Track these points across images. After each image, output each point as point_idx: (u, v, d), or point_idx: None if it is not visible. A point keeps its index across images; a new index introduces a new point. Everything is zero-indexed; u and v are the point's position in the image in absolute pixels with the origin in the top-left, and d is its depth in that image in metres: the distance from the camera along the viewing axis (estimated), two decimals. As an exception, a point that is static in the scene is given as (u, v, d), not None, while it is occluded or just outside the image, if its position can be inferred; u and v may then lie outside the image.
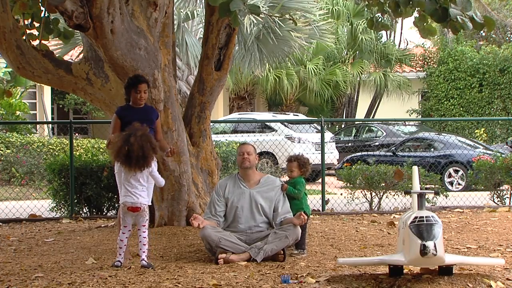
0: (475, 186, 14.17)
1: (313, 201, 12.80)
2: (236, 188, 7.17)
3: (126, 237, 6.65)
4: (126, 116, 7.30)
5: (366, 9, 8.89)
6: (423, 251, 5.42)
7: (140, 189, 6.59)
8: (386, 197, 11.99)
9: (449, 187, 16.78)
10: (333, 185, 16.34)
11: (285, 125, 19.71)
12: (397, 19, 26.38)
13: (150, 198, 6.74)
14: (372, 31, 25.40)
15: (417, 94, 28.74)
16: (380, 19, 9.27)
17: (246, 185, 7.19)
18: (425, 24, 8.19)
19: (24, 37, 8.74)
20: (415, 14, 8.32)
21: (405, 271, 5.97)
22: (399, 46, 28.67)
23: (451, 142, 17.85)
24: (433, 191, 6.94)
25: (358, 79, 26.25)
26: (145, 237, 6.58)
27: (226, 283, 5.85)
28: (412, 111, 28.26)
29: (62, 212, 11.15)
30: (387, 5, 8.42)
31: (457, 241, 8.08)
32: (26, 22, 9.15)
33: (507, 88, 26.64)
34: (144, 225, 6.62)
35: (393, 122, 22.91)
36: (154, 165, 6.71)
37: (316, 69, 24.99)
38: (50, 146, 17.97)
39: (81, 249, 7.85)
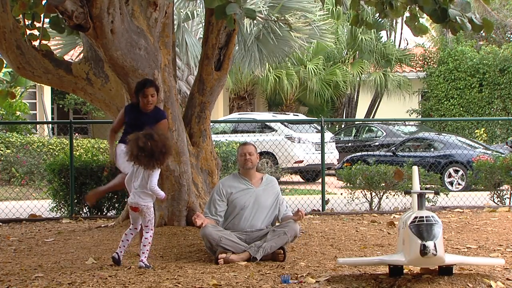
0: (475, 186, 14.17)
1: (313, 201, 12.84)
2: (242, 187, 7.16)
3: (131, 234, 6.67)
4: (129, 118, 7.36)
5: (353, 7, 8.91)
6: (423, 251, 5.42)
7: (140, 189, 6.59)
8: (386, 197, 12.00)
9: (449, 187, 16.78)
10: (333, 185, 16.35)
11: (285, 125, 19.71)
12: (396, 19, 26.53)
13: (151, 199, 6.69)
14: (372, 31, 25.44)
15: (417, 94, 28.74)
16: (370, 18, 9.32)
17: (250, 183, 7.19)
18: (416, 23, 8.24)
19: (25, 37, 8.74)
20: (406, 13, 8.36)
21: (405, 271, 5.97)
22: (399, 46, 28.67)
23: (451, 142, 17.86)
24: (433, 191, 6.93)
25: (358, 79, 26.25)
26: (146, 238, 6.57)
27: (226, 283, 5.85)
28: (412, 111, 28.26)
29: (62, 212, 11.15)
30: (385, 6, 8.44)
31: (457, 241, 8.08)
32: (26, 22, 9.15)
33: (507, 88, 26.64)
34: (147, 226, 6.61)
35: (393, 122, 22.91)
36: (154, 179, 6.61)
37: (316, 69, 24.99)
38: (50, 146, 17.97)
39: (81, 249, 7.85)
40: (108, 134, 7.84)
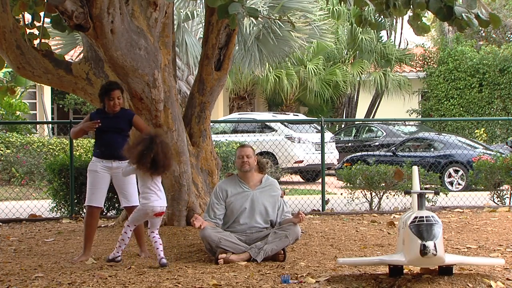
0: (475, 186, 14.18)
1: (313, 201, 12.84)
2: (238, 190, 7.15)
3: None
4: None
5: (357, 7, 8.94)
6: (423, 251, 5.42)
7: (160, 190, 6.80)
8: (386, 197, 11.99)
9: (449, 187, 16.77)
10: (333, 185, 16.35)
11: (285, 125, 19.71)
12: (397, 18, 26.52)
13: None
14: (372, 31, 25.41)
15: (417, 94, 28.74)
16: (372, 18, 9.32)
17: (247, 186, 7.18)
18: (419, 22, 8.24)
19: (25, 36, 8.74)
20: (409, 13, 8.37)
21: (405, 271, 5.97)
22: (399, 46, 28.65)
23: (451, 142, 17.86)
24: (433, 191, 6.94)
25: (358, 79, 26.23)
26: (159, 237, 6.73)
27: (226, 283, 5.86)
28: (412, 111, 28.25)
29: (62, 212, 11.15)
30: (384, 6, 8.44)
31: (457, 241, 8.08)
32: (26, 22, 9.15)
33: (507, 88, 26.64)
34: (158, 228, 6.80)
35: (393, 122, 22.91)
36: None
37: (316, 69, 24.98)
38: (50, 146, 17.96)
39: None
40: (74, 131, 7.68)
